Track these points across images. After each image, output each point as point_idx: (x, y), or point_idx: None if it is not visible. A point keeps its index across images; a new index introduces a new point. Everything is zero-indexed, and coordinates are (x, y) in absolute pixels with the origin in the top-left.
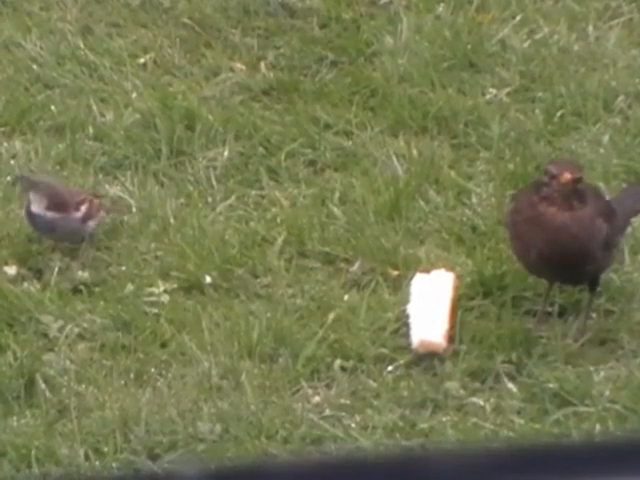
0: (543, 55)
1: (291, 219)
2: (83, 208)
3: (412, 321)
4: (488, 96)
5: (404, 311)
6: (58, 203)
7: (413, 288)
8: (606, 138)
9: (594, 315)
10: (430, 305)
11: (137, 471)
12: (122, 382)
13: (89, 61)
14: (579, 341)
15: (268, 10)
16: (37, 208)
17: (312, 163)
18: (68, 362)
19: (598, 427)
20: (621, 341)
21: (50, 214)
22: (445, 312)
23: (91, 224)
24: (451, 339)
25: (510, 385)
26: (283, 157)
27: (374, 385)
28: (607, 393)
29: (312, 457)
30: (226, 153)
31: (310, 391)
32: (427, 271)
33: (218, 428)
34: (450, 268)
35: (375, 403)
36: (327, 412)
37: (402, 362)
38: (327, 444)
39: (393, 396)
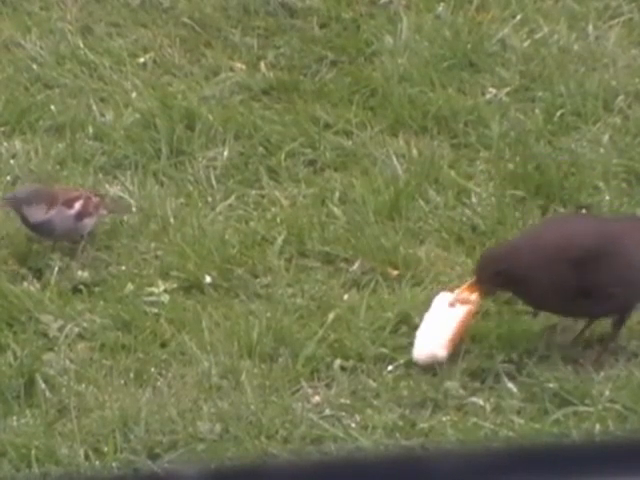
0: (543, 55)
1: (291, 219)
2: (77, 205)
3: (418, 338)
4: (488, 96)
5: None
6: (49, 201)
7: (433, 306)
8: (606, 138)
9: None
10: (438, 324)
11: (137, 471)
12: (122, 382)
13: (89, 61)
14: (596, 372)
15: (268, 10)
16: (35, 216)
17: (312, 163)
18: (68, 362)
19: (598, 427)
20: (621, 341)
21: (47, 214)
22: (449, 333)
23: (87, 222)
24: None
25: (510, 385)
26: (283, 157)
27: (374, 385)
28: (607, 393)
29: (312, 457)
30: (226, 153)
31: (310, 391)
32: (451, 290)
33: (218, 428)
34: (463, 283)
35: (375, 403)
36: (327, 412)
37: (402, 362)
38: (327, 444)
39: (393, 396)
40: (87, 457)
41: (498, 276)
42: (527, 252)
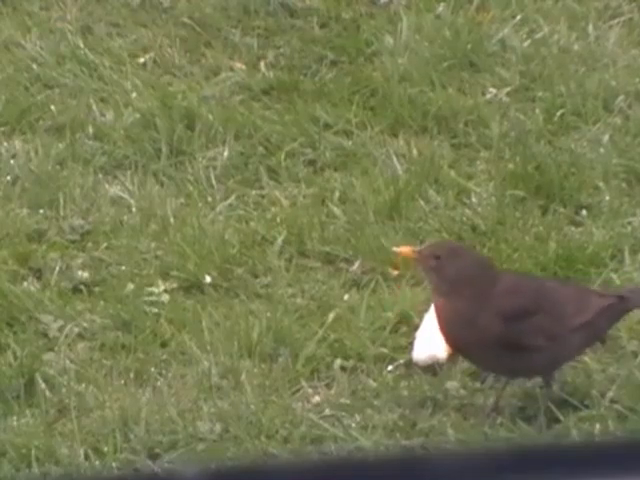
0: (543, 55)
1: (291, 219)
2: None
3: (418, 338)
4: (488, 96)
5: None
6: None
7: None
8: (606, 138)
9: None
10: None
11: (137, 471)
12: (122, 382)
13: (89, 61)
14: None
15: (268, 10)
16: None
17: (312, 163)
18: (68, 362)
19: (598, 427)
20: (621, 341)
21: None
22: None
23: None
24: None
25: (510, 385)
26: (283, 157)
27: (374, 385)
28: (607, 393)
29: (312, 457)
30: (226, 153)
31: (310, 391)
32: None
33: (218, 428)
34: None
35: (375, 403)
36: (327, 412)
37: (402, 362)
38: (327, 444)
39: (393, 396)
40: (87, 457)
41: (434, 259)
42: (469, 263)
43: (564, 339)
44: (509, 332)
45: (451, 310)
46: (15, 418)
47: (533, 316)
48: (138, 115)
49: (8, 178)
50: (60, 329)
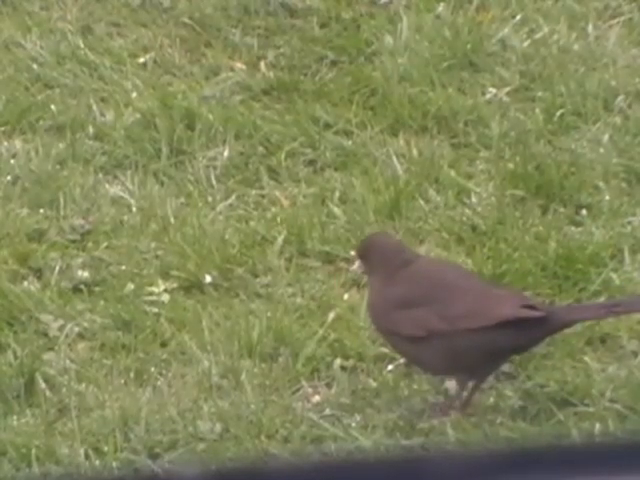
0: (543, 54)
1: (291, 218)
2: None
3: None
4: (488, 95)
5: None
6: None
7: None
8: (606, 137)
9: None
10: None
11: (137, 470)
12: (122, 381)
13: (89, 61)
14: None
15: (268, 10)
16: None
17: (312, 162)
18: (68, 361)
19: (598, 427)
20: (621, 341)
21: None
22: None
23: None
24: None
25: (510, 385)
26: (283, 156)
27: (374, 385)
28: (607, 393)
29: (312, 457)
30: (226, 153)
31: (310, 390)
32: None
33: (218, 427)
34: None
35: (375, 403)
36: (327, 411)
37: (402, 361)
38: (327, 443)
39: (393, 396)
40: (87, 457)
41: (361, 259)
42: (381, 248)
43: (448, 337)
44: (390, 319)
45: (367, 297)
46: (15, 418)
47: (416, 308)
48: (138, 115)
49: (8, 178)
50: (60, 329)
